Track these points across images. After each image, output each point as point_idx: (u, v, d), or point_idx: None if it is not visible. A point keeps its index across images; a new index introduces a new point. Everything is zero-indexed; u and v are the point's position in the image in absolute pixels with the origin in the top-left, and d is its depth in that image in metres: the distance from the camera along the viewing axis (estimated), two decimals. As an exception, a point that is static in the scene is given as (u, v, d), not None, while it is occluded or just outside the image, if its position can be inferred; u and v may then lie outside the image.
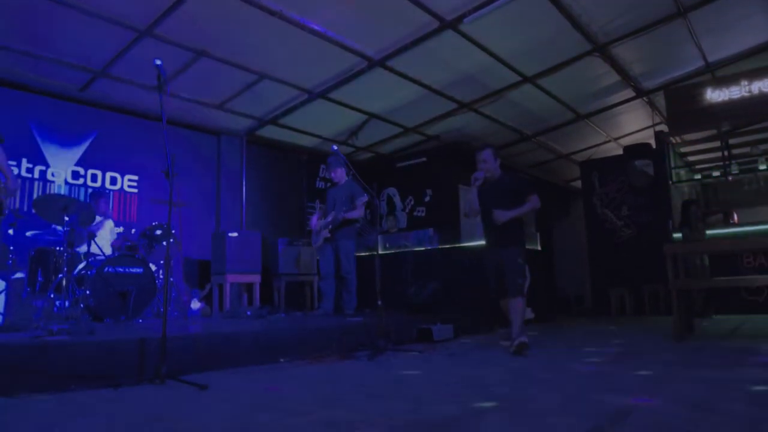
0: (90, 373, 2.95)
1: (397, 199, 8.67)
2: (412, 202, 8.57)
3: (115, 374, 2.97)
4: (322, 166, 8.56)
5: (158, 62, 3.20)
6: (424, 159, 8.47)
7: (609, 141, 9.29)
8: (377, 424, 1.96)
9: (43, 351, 2.92)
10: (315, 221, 5.87)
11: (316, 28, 5.27)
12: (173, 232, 5.45)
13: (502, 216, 4.07)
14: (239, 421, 2.08)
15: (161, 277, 5.31)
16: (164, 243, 5.22)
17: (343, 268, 5.58)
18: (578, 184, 10.30)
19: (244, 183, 7.56)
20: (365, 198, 5.45)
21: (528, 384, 2.75)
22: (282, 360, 3.76)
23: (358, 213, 5.56)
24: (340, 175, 5.73)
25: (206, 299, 6.68)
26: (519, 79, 6.78)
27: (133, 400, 2.52)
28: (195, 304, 6.07)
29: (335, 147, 4.63)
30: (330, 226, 5.54)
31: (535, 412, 2.11)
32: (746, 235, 6.62)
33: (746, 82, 7.00)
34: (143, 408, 2.35)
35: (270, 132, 7.63)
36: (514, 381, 2.86)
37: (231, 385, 2.91)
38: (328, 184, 5.96)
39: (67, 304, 4.59)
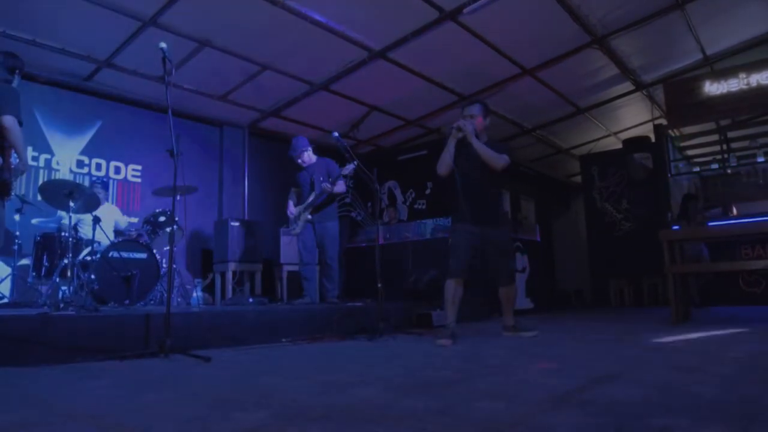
0: (95, 346, 3.03)
1: (398, 192, 8.73)
2: (413, 195, 8.63)
3: (120, 347, 3.04)
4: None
5: (163, 45, 3.28)
6: (424, 152, 8.51)
7: (609, 135, 9.35)
8: (373, 385, 2.03)
9: (50, 324, 3.00)
10: (291, 207, 5.48)
11: (318, 18, 5.34)
12: (176, 219, 5.52)
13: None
14: (243, 383, 2.16)
15: (164, 265, 5.39)
16: (168, 229, 5.29)
17: (327, 254, 5.24)
18: (578, 178, 10.37)
19: (246, 174, 7.64)
20: (346, 170, 5.06)
21: (522, 357, 2.81)
22: (283, 340, 3.83)
23: (341, 188, 5.28)
24: (308, 157, 5.44)
25: (208, 288, 6.76)
26: (518, 71, 6.85)
27: (140, 368, 2.59)
28: (197, 293, 6.15)
29: (336, 134, 4.68)
30: (311, 207, 5.27)
31: (527, 375, 2.18)
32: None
33: (744, 75, 7.06)
34: (150, 374, 2.43)
35: (272, 124, 7.72)
36: (508, 355, 2.92)
37: (234, 359, 2.98)
38: (298, 167, 5.53)
39: (71, 288, 4.68)
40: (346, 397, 1.80)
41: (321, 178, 5.27)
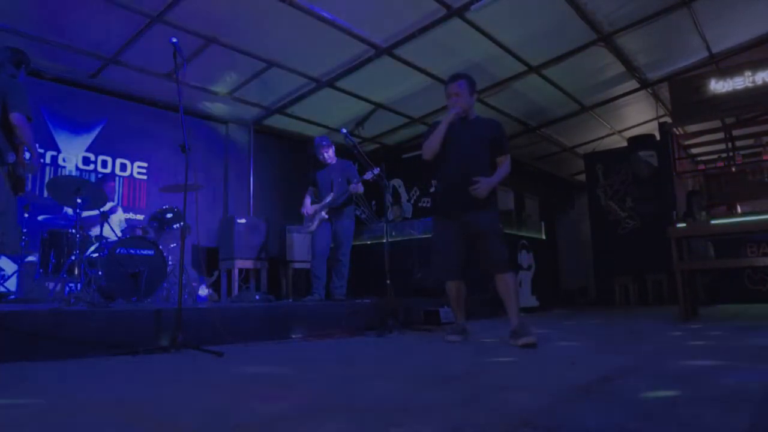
0: (107, 341, 3.02)
1: (402, 190, 8.73)
2: (418, 193, 8.63)
3: (132, 343, 3.03)
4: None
5: (174, 40, 3.28)
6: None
7: (613, 133, 9.33)
8: (391, 378, 2.03)
9: (61, 319, 2.99)
10: (308, 205, 5.49)
11: (324, 15, 5.33)
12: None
13: (485, 186, 3.27)
14: (259, 376, 2.15)
15: (170, 262, 5.37)
16: (174, 226, 5.29)
17: (340, 250, 5.29)
18: (582, 177, 10.36)
19: (251, 172, 7.64)
20: (367, 176, 5.08)
21: (536, 351, 2.81)
22: (293, 336, 3.83)
23: (360, 189, 5.27)
24: (331, 155, 5.47)
25: (214, 286, 6.75)
26: (524, 69, 6.84)
27: (153, 364, 2.58)
28: (203, 291, 6.14)
29: (344, 130, 4.68)
30: (328, 208, 5.28)
31: (545, 367, 2.18)
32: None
33: (750, 73, 7.05)
34: (164, 368, 2.42)
35: (277, 121, 7.70)
36: (521, 350, 2.91)
37: (246, 354, 2.98)
38: (316, 166, 5.53)
39: (79, 285, 4.68)
40: (366, 389, 1.79)
41: (340, 180, 5.29)
